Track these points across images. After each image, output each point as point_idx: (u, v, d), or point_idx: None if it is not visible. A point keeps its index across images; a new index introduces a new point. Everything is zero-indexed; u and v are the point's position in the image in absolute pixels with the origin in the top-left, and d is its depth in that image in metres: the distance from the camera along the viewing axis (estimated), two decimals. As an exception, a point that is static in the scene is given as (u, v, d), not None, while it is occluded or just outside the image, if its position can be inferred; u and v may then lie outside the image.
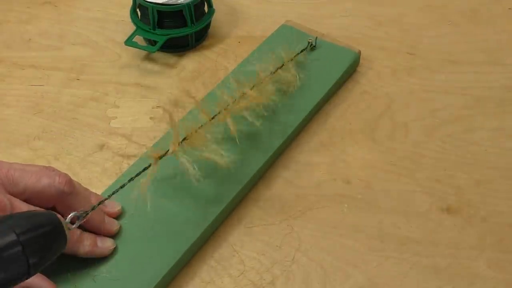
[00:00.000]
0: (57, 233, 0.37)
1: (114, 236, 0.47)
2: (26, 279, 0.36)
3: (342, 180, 0.55)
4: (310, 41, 0.63)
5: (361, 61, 0.65)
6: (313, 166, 0.56)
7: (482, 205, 0.53)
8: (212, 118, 0.51)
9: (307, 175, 0.55)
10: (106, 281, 0.44)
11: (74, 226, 0.41)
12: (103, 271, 0.45)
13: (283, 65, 0.58)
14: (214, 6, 0.70)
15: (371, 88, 0.64)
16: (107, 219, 0.47)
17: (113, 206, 0.48)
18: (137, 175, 0.47)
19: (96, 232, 0.46)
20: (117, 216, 0.48)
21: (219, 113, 0.51)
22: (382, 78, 0.65)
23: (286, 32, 0.63)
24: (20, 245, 0.34)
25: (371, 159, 0.56)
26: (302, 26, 0.67)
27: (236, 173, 0.52)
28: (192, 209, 0.49)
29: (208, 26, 0.70)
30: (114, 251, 0.46)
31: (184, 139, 0.48)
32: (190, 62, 0.67)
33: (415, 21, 0.73)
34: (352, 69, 0.64)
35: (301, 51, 0.62)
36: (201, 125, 0.50)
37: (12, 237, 0.34)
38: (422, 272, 0.48)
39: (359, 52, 0.64)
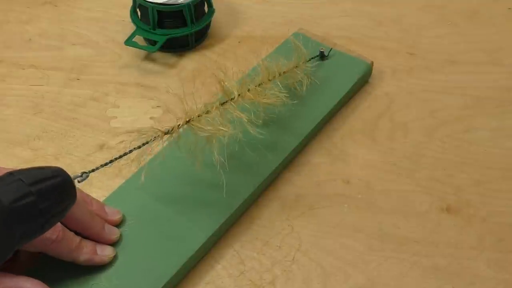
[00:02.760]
0: (67, 185, 0.36)
1: (114, 244, 0.46)
2: (40, 235, 0.35)
3: (342, 180, 0.55)
4: (322, 50, 0.62)
5: (361, 61, 0.65)
6: (313, 166, 0.56)
7: (482, 205, 0.53)
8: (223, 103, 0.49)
9: (307, 175, 0.55)
10: None
11: (80, 180, 0.40)
12: (102, 279, 0.44)
13: (291, 68, 0.57)
14: (214, 6, 0.70)
15: (371, 88, 0.64)
16: (107, 227, 0.46)
17: (114, 214, 0.48)
18: (132, 150, 0.45)
19: (96, 239, 0.45)
20: (118, 224, 0.48)
21: (224, 102, 0.49)
22: (382, 78, 0.65)
23: (298, 40, 0.62)
24: (33, 196, 0.34)
25: (371, 159, 0.56)
26: (314, 34, 0.65)
27: (240, 183, 0.51)
28: (195, 217, 0.49)
29: (208, 26, 0.70)
30: (114, 259, 0.46)
31: (188, 121, 0.47)
32: (190, 62, 0.67)
33: (415, 21, 0.73)
34: (364, 80, 0.63)
35: (311, 58, 0.61)
36: (207, 111, 0.48)
37: (25, 189, 0.34)
38: (422, 272, 0.48)
39: (372, 63, 0.63)
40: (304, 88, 0.57)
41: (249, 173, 0.52)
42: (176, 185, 0.51)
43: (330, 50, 0.63)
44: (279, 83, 0.54)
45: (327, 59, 0.63)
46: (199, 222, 0.48)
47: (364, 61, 0.63)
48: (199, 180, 0.51)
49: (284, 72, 0.56)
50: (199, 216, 0.49)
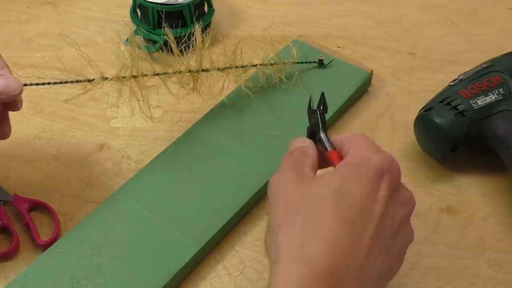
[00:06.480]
0: None
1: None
2: None
3: (342, 180, 0.54)
4: (321, 58, 0.62)
5: (361, 60, 0.65)
6: (313, 166, 0.56)
7: (482, 204, 0.53)
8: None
9: (307, 175, 0.55)
10: None
11: None
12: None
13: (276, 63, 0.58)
14: (214, 6, 0.70)
15: (371, 88, 0.64)
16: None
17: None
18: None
19: None
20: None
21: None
22: (382, 78, 0.65)
23: (297, 47, 0.61)
24: None
25: (371, 159, 0.56)
26: (314, 41, 0.65)
27: (240, 188, 0.51)
28: (193, 221, 0.49)
29: (208, 26, 0.70)
30: (109, 265, 0.45)
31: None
32: (190, 62, 0.67)
33: (415, 21, 0.73)
34: (363, 89, 0.62)
35: (305, 62, 0.60)
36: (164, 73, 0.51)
37: None
38: (423, 272, 0.48)
39: (371, 72, 0.62)
40: (276, 81, 0.58)
41: (249, 177, 0.52)
42: (173, 192, 0.51)
43: (332, 61, 0.62)
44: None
45: (324, 67, 0.62)
46: (198, 225, 0.48)
47: (364, 70, 0.62)
48: (196, 186, 0.51)
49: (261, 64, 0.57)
50: (196, 222, 0.49)
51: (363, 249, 0.33)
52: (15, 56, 0.67)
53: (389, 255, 0.35)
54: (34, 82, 0.48)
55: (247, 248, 0.49)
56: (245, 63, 0.56)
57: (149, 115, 0.51)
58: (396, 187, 0.36)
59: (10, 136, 0.58)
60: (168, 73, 0.52)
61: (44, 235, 0.50)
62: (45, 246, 0.48)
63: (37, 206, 0.52)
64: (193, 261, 0.47)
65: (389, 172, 0.36)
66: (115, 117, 0.60)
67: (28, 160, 0.56)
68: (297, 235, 0.33)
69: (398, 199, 0.36)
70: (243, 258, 0.49)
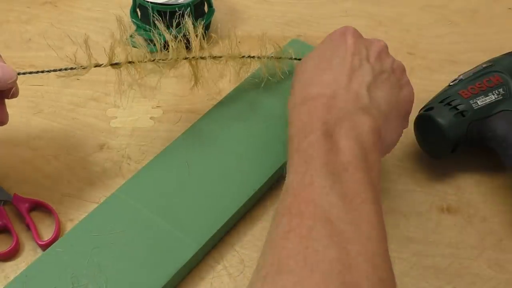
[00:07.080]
0: None
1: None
2: None
3: (342, 180, 0.54)
4: None
5: (361, 61, 0.65)
6: (313, 166, 0.56)
7: (482, 204, 0.53)
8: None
9: (307, 175, 0.55)
10: None
11: None
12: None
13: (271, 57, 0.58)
14: (214, 6, 0.70)
15: (371, 88, 0.63)
16: None
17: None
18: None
19: None
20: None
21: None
22: (382, 78, 0.65)
23: (295, 46, 0.60)
24: None
25: (371, 159, 0.56)
26: (313, 41, 0.65)
27: (237, 188, 0.51)
28: (192, 222, 0.48)
29: (208, 26, 0.70)
30: (104, 267, 0.45)
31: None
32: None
33: (415, 21, 0.73)
34: None
35: (296, 58, 0.60)
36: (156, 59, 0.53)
37: None
38: (422, 272, 0.48)
39: None
40: (276, 79, 0.57)
41: (249, 176, 0.52)
42: (173, 191, 0.51)
43: None
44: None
45: None
46: (198, 225, 0.48)
47: None
48: (196, 186, 0.51)
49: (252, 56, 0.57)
50: (196, 221, 0.48)
51: (344, 77, 0.43)
52: (15, 56, 0.67)
53: (379, 79, 0.44)
54: (28, 71, 0.48)
55: (247, 248, 0.49)
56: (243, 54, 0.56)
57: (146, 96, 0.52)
58: (359, 36, 0.47)
59: (10, 136, 0.58)
60: (164, 60, 0.52)
61: (44, 235, 0.50)
62: (45, 246, 0.48)
63: (37, 206, 0.52)
64: (193, 261, 0.47)
65: (348, 29, 0.47)
66: (115, 117, 0.60)
67: (28, 160, 0.56)
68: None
69: (366, 41, 0.47)
70: (243, 258, 0.49)
